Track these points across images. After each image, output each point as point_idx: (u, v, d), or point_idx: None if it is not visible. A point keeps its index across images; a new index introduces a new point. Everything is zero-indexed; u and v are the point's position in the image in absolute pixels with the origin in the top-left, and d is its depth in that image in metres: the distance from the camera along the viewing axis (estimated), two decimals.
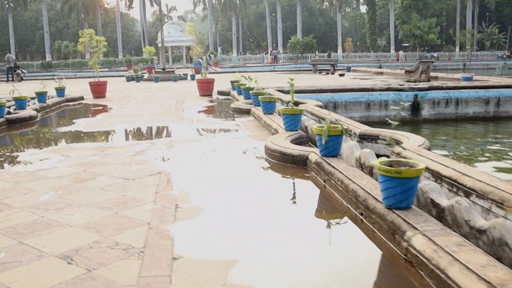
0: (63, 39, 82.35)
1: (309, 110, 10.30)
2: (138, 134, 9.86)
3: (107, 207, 4.71)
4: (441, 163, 5.34)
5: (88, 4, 78.24)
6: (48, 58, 72.83)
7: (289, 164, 6.41)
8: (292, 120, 7.85)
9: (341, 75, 30.79)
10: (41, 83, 14.89)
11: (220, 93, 18.03)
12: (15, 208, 4.74)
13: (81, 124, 11.01)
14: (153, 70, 34.61)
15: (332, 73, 33.98)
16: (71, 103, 16.50)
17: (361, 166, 5.83)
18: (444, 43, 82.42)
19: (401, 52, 72.53)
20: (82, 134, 9.77)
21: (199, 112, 13.02)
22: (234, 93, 16.35)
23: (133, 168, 6.38)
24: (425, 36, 76.34)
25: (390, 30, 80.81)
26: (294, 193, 5.63)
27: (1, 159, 7.78)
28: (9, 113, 11.99)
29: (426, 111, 18.60)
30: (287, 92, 12.51)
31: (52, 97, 17.07)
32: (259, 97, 10.33)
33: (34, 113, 12.17)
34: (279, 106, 11.54)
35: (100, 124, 10.97)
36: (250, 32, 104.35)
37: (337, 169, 5.39)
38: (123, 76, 35.86)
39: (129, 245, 3.72)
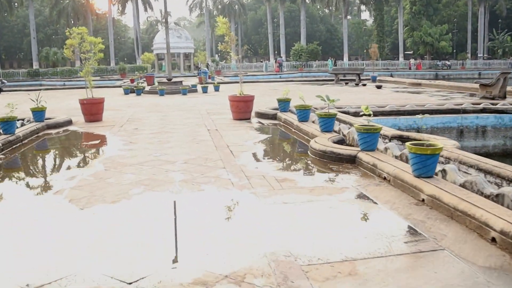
0: (52, 45, 77.52)
1: None
2: (188, 232, 4.48)
3: None
4: None
5: (78, 9, 73.45)
6: (35, 66, 67.97)
7: None
8: None
9: (378, 87, 25.96)
10: (7, 105, 9.91)
11: (260, 115, 13.09)
12: None
13: (65, 189, 5.96)
14: (154, 80, 29.65)
15: (364, 84, 29.18)
16: (53, 131, 11.51)
17: None
18: (454, 51, 78.05)
19: (412, 60, 67.94)
20: (69, 225, 4.77)
21: (259, 157, 8.06)
22: (289, 117, 11.44)
23: None
24: (436, 44, 71.87)
25: (399, 37, 76.47)
26: None
27: None
28: None
29: None
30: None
31: (28, 121, 12.18)
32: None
33: None
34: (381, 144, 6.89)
35: (101, 188, 5.92)
36: (248, 39, 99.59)
37: None
38: (117, 86, 30.92)
39: None
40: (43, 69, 63.33)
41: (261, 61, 73.61)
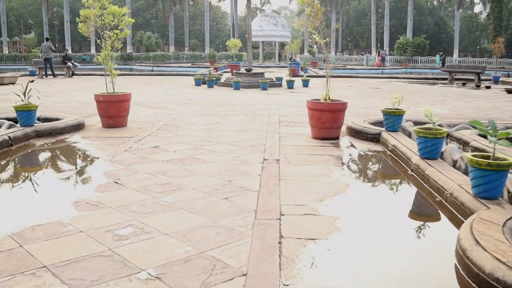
0: (152, 30, 76.77)
1: None
2: None
3: None
4: None
5: None
6: (129, 49, 66.77)
7: None
8: None
9: (509, 91, 20.46)
10: None
11: (355, 133, 8.53)
12: None
13: None
14: (235, 71, 25.74)
15: (487, 87, 23.64)
16: (40, 142, 7.64)
17: None
18: None
19: None
20: None
21: (339, 277, 3.54)
22: (401, 144, 6.86)
23: None
24: None
25: None
26: None
27: None
28: None
29: None
30: None
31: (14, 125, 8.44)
32: None
33: None
34: None
35: None
36: (349, 30, 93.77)
37: None
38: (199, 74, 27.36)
39: None
40: (137, 53, 62.39)
41: (362, 54, 68.06)
